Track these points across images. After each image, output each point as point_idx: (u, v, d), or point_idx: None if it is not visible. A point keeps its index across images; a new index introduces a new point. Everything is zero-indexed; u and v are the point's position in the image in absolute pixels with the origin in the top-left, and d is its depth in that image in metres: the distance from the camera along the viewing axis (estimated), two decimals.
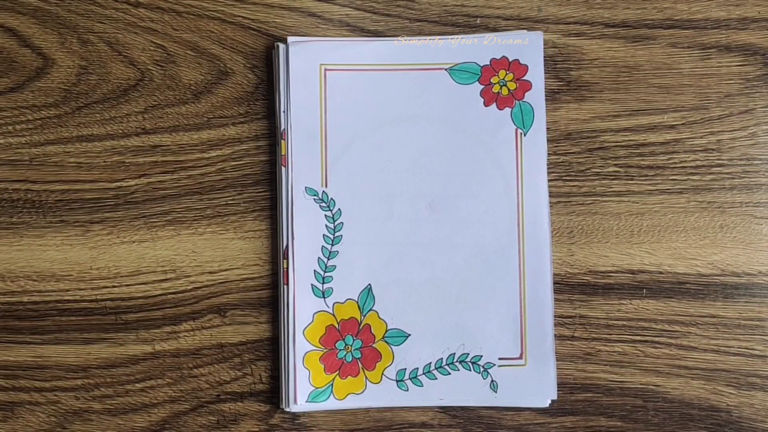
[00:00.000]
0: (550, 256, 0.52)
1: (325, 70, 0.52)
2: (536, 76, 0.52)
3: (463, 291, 0.52)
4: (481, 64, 0.52)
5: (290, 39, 0.52)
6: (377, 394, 0.52)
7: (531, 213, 0.52)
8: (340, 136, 0.52)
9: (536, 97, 0.52)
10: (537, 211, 0.52)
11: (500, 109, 0.52)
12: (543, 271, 0.52)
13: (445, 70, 0.52)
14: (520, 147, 0.52)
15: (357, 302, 0.52)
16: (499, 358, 0.51)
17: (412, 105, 0.52)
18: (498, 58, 0.52)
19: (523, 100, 0.52)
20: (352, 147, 0.52)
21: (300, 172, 0.52)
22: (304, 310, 0.51)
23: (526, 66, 0.52)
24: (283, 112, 0.52)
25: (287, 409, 0.51)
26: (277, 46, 0.52)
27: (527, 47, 0.52)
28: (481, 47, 0.52)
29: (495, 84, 0.52)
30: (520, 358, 0.51)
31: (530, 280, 0.51)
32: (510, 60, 0.52)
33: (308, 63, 0.52)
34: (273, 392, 0.52)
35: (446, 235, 0.52)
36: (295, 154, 0.52)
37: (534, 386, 0.51)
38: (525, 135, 0.52)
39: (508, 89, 0.52)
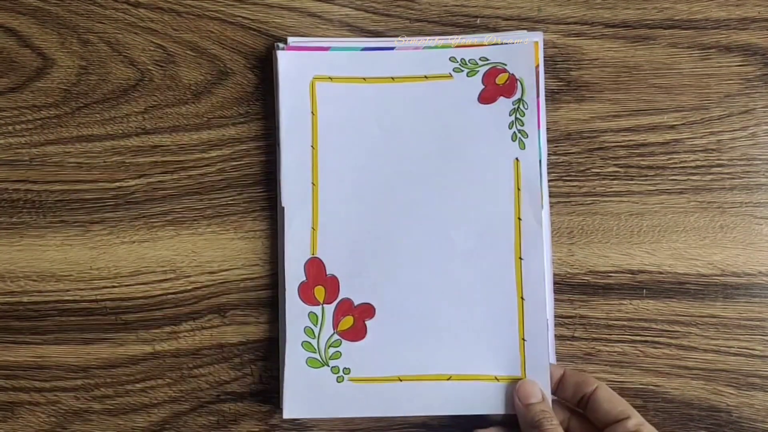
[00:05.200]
0: (549, 270, 0.54)
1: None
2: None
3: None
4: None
5: (290, 39, 0.53)
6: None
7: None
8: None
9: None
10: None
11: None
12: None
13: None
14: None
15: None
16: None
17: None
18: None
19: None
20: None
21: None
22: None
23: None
24: (280, 117, 0.53)
25: (283, 414, 0.52)
26: (278, 46, 0.53)
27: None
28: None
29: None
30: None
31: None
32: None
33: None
34: (273, 392, 0.54)
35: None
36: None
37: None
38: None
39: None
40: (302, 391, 0.52)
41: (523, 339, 0.52)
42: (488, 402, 0.52)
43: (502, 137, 0.53)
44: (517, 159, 0.53)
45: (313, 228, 0.53)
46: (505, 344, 0.52)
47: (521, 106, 0.53)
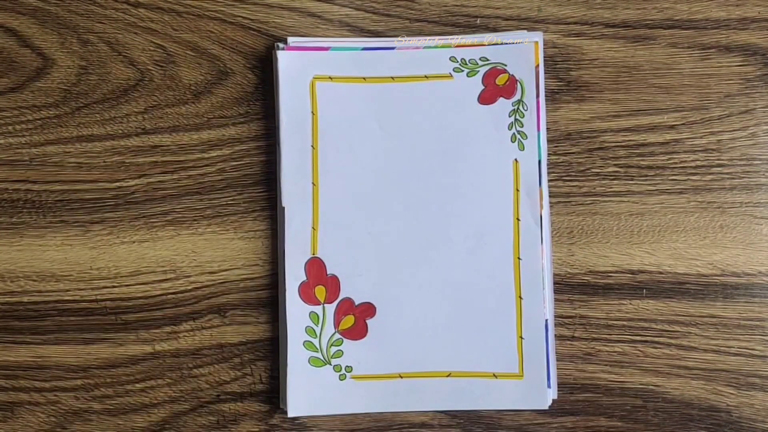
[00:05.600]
0: (550, 274, 0.54)
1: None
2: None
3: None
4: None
5: (290, 39, 0.54)
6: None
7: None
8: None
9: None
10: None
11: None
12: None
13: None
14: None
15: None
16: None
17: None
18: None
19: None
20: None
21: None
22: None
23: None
24: (280, 117, 0.54)
25: (288, 412, 0.53)
26: (278, 46, 0.54)
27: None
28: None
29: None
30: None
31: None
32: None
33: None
34: (273, 392, 0.54)
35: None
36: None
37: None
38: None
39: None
40: (306, 390, 0.53)
41: (521, 337, 0.53)
42: (486, 398, 0.53)
43: (502, 138, 0.54)
44: (516, 160, 0.54)
45: (313, 228, 0.53)
46: (503, 342, 0.53)
47: (521, 108, 0.54)
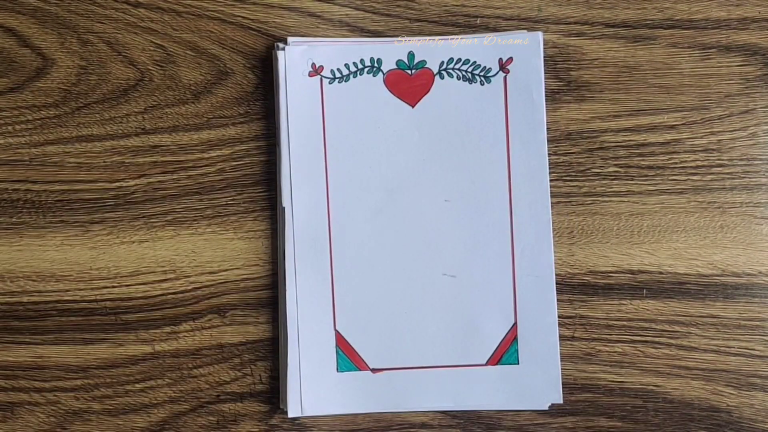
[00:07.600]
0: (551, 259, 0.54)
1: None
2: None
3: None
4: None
5: (290, 39, 0.54)
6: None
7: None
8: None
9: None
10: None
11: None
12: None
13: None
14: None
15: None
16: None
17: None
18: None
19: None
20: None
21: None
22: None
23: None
24: (280, 117, 0.54)
25: (287, 412, 0.53)
26: (278, 46, 0.54)
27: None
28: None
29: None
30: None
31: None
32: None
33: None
34: (273, 392, 0.54)
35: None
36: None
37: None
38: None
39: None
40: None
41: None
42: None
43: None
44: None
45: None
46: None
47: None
